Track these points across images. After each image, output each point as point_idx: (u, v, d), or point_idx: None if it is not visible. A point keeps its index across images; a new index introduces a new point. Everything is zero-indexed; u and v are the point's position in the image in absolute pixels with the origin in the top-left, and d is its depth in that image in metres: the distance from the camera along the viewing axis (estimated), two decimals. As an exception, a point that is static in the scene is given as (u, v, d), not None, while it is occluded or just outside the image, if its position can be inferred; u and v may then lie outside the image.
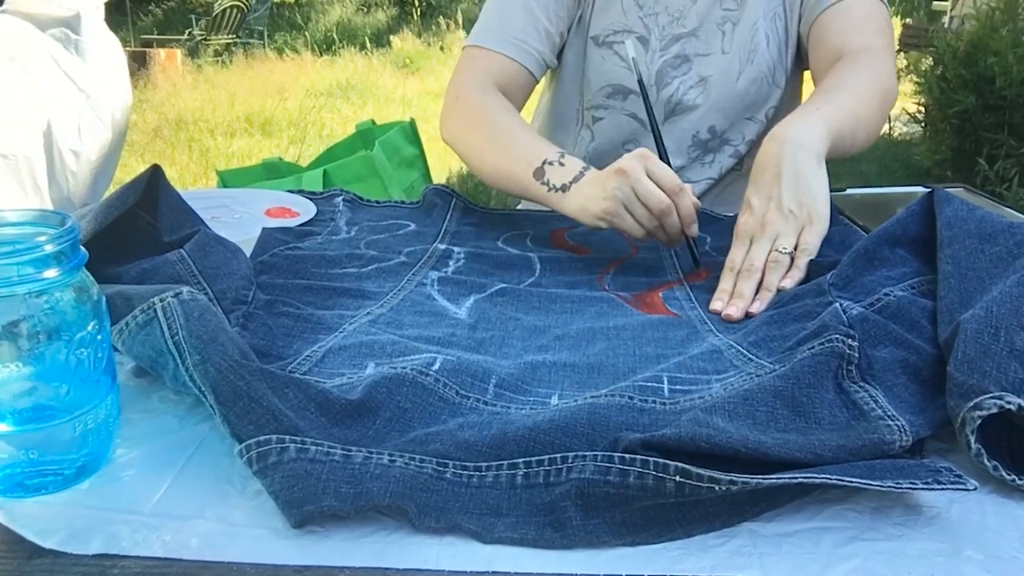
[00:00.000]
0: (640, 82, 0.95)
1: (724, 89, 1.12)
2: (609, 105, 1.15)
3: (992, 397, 0.49)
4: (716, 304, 0.75)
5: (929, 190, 0.71)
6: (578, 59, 1.15)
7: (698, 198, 0.90)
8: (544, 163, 0.91)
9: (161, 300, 0.55)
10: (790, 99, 1.18)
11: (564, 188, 0.89)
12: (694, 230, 0.84)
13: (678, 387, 0.58)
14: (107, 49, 1.14)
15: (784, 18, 1.12)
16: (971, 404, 0.50)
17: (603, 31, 1.12)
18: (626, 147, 1.15)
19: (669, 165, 0.84)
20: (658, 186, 0.82)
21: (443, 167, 4.56)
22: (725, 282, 0.78)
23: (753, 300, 0.75)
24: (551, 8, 1.10)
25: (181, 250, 0.70)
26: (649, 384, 0.58)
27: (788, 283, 0.75)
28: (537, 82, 1.14)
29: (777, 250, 0.77)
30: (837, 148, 0.87)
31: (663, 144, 0.92)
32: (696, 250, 0.86)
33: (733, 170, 1.18)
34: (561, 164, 0.91)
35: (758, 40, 1.11)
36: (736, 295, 0.75)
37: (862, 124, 0.93)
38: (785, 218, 0.79)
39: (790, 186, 0.80)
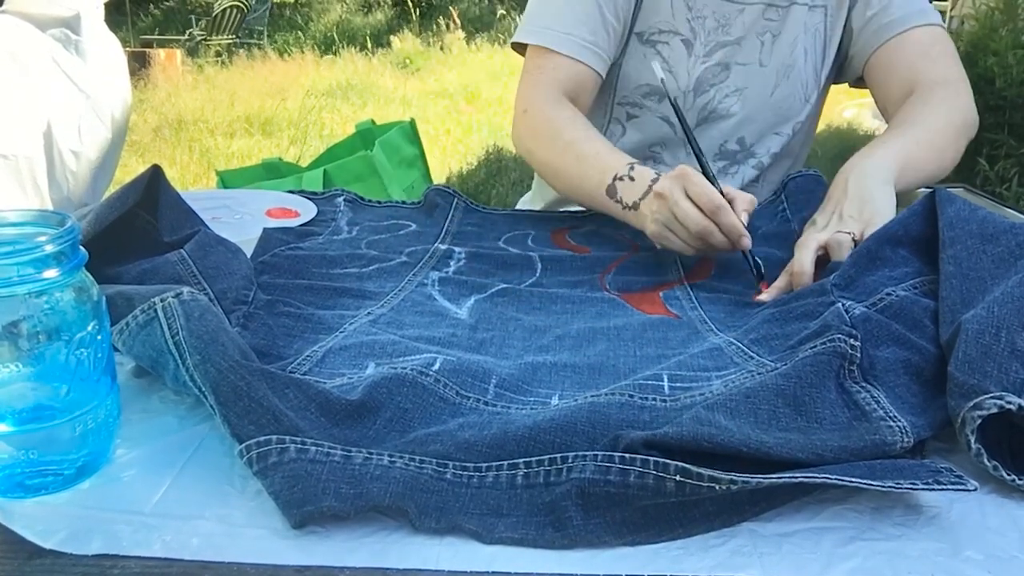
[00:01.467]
0: (673, 103, 0.93)
1: (758, 102, 1.11)
2: (645, 105, 1.12)
3: (992, 397, 0.49)
4: (763, 296, 0.76)
5: (931, 190, 0.71)
6: (613, 54, 1.11)
7: None
8: (615, 179, 0.89)
9: (162, 300, 0.55)
10: (814, 114, 1.17)
11: (635, 207, 0.87)
12: (744, 243, 0.79)
13: (678, 384, 0.58)
14: (107, 49, 1.14)
15: (824, 35, 1.10)
16: (971, 404, 0.50)
17: (649, 28, 1.08)
18: (652, 150, 1.14)
19: (712, 177, 0.83)
20: (697, 205, 0.79)
21: (443, 167, 4.56)
22: (781, 281, 0.77)
23: None
24: (616, 1, 1.05)
25: (181, 250, 0.70)
26: (649, 382, 0.58)
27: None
28: (603, 79, 1.10)
29: (840, 231, 0.77)
30: (907, 178, 0.88)
31: (703, 156, 0.89)
32: (752, 261, 0.80)
33: (752, 183, 1.16)
34: (631, 179, 0.88)
35: (796, 55, 1.10)
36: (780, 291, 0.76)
37: (935, 156, 0.95)
38: (845, 222, 0.79)
39: (853, 201, 0.81)
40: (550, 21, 1.06)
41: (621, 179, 0.89)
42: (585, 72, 1.05)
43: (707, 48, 1.09)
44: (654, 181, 0.85)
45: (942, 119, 0.98)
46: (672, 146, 1.14)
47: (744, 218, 0.80)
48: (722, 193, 0.80)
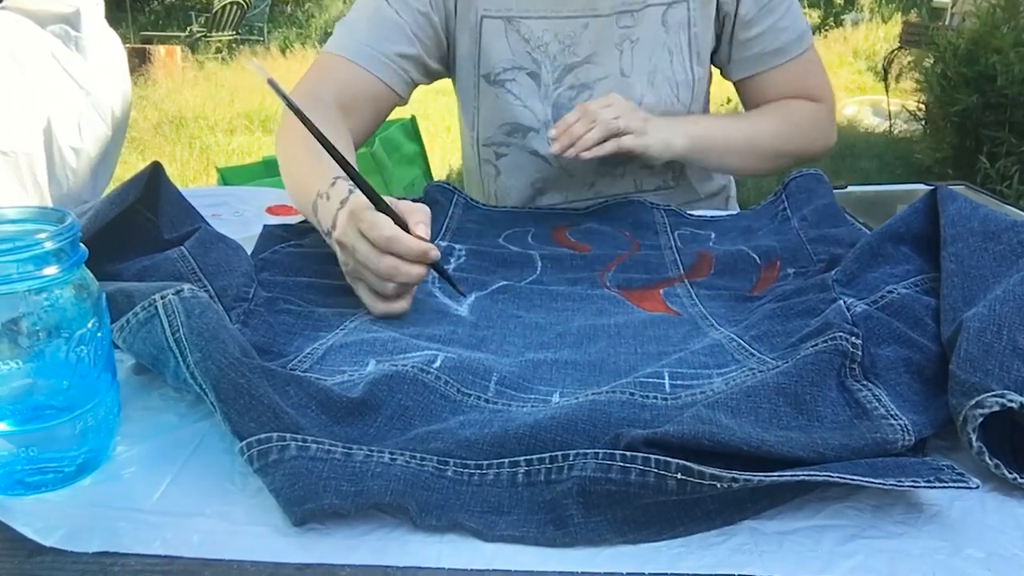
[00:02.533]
0: (291, 106, 0.70)
1: None
2: (510, 143, 1.12)
3: (994, 395, 0.49)
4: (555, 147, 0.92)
5: (932, 188, 0.71)
6: (470, 96, 1.12)
7: None
8: (317, 195, 0.78)
9: (162, 297, 0.55)
10: (701, 108, 1.15)
11: (330, 235, 0.75)
12: (432, 256, 0.69)
13: (679, 382, 0.58)
14: (107, 46, 1.14)
15: (689, 29, 1.08)
16: (973, 402, 0.50)
17: (493, 69, 1.08)
18: (535, 186, 1.13)
19: (378, 198, 0.70)
20: (373, 245, 0.68)
21: (444, 164, 4.56)
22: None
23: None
24: (418, 23, 1.03)
25: (182, 247, 0.70)
26: (650, 380, 0.58)
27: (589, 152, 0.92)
28: (403, 100, 1.07)
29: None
30: (696, 156, 1.02)
31: (359, 177, 0.72)
32: (449, 277, 0.75)
33: (661, 189, 1.14)
34: (328, 198, 0.76)
35: (659, 59, 1.07)
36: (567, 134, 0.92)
37: (742, 154, 1.03)
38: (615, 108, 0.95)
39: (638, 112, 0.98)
40: (345, 34, 1.04)
41: (321, 197, 0.77)
42: (368, 79, 1.02)
43: (555, 75, 1.07)
44: (339, 208, 0.73)
45: (784, 128, 1.09)
46: (553, 179, 1.12)
47: (422, 230, 0.70)
48: (396, 215, 0.70)
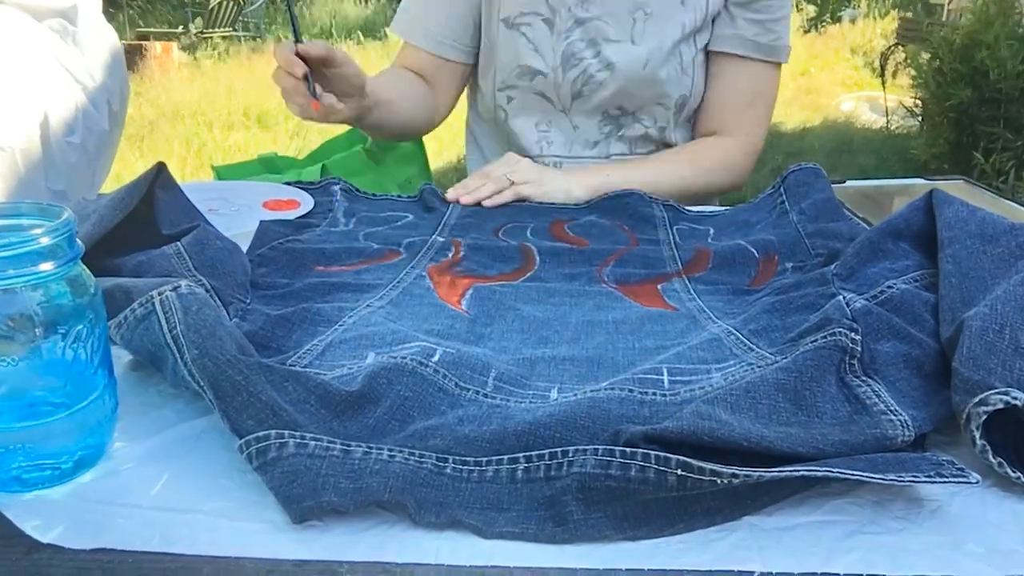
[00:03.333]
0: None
1: (631, 76, 1.15)
2: (519, 85, 1.19)
3: (998, 393, 0.49)
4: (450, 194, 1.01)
5: (929, 187, 0.71)
6: (492, 40, 1.20)
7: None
8: None
9: (159, 294, 0.55)
10: (699, 87, 1.20)
11: None
12: (297, 71, 0.96)
13: (678, 378, 0.58)
14: (104, 41, 1.13)
15: (706, 8, 1.14)
16: (976, 400, 0.50)
17: (513, 13, 1.16)
18: (539, 128, 1.21)
19: (298, 38, 0.98)
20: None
21: (440, 158, 4.56)
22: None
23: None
24: None
25: (178, 243, 0.70)
26: (649, 376, 0.57)
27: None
28: (470, 64, 1.24)
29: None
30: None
31: (295, 23, 1.02)
32: (311, 86, 0.97)
33: (646, 141, 1.22)
34: None
35: (670, 32, 1.14)
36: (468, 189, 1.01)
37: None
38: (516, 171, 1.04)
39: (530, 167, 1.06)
40: (404, 14, 1.24)
41: None
42: (429, 58, 1.22)
43: (567, 25, 1.14)
44: None
45: (688, 171, 1.16)
46: (557, 121, 1.21)
47: (313, 49, 0.96)
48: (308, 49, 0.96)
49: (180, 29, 9.29)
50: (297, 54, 0.96)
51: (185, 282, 0.56)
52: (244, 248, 0.78)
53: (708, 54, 1.19)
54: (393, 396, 0.54)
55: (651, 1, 1.13)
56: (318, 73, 0.99)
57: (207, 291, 0.63)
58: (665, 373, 0.58)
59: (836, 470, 0.45)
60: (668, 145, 1.22)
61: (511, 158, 1.09)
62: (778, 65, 1.18)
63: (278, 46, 0.97)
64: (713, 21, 1.17)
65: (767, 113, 1.22)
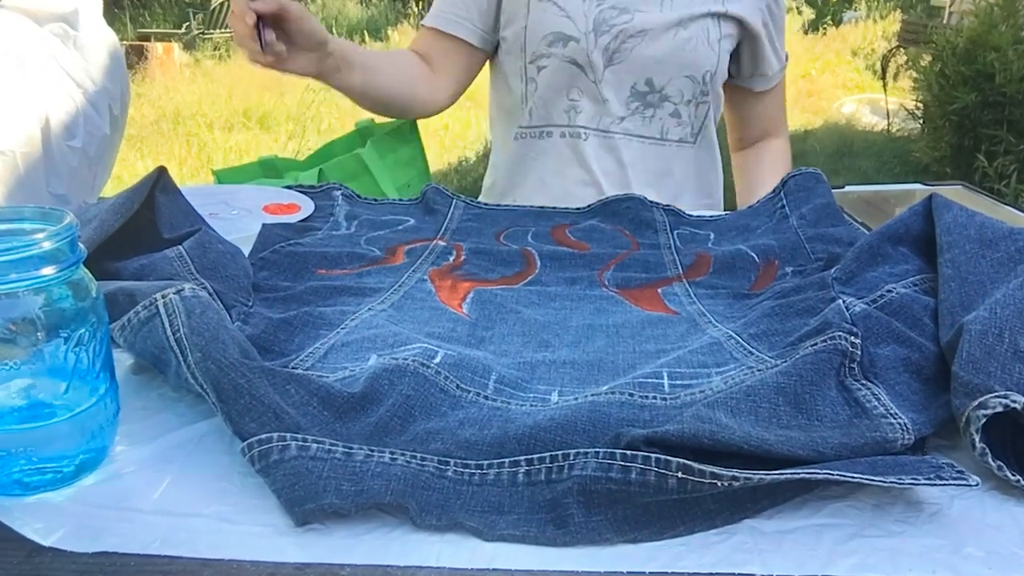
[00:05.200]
0: None
1: (662, 43, 1.18)
2: (551, 53, 1.19)
3: (997, 396, 0.49)
4: None
5: (929, 191, 0.71)
6: (521, 15, 1.21)
7: (647, 166, 1.21)
8: None
9: (163, 297, 0.55)
10: (723, 68, 1.24)
11: None
12: (248, 20, 0.97)
13: (678, 381, 0.58)
14: (105, 45, 1.14)
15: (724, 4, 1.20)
16: (976, 403, 0.50)
17: None
18: (571, 98, 1.22)
19: None
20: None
21: (441, 162, 4.56)
22: None
23: None
24: None
25: (180, 247, 0.70)
26: (649, 380, 0.58)
27: None
28: (480, 50, 1.25)
29: None
30: None
31: None
32: (261, 35, 0.99)
33: (684, 142, 1.24)
34: None
35: (700, 5, 1.19)
36: None
37: None
38: None
39: None
40: (434, 7, 1.27)
41: None
42: (439, 37, 1.24)
43: None
44: None
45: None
46: (588, 90, 1.21)
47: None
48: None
49: (182, 30, 9.28)
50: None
51: (189, 285, 0.56)
52: (246, 252, 0.78)
53: (736, 91, 1.32)
54: (395, 396, 0.54)
55: None
56: (277, 25, 1.01)
57: (210, 294, 0.63)
58: (665, 377, 0.58)
59: (836, 473, 0.45)
60: (691, 125, 1.26)
61: None
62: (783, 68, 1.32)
63: None
64: (742, 26, 1.22)
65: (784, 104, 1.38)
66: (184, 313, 0.53)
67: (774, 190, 0.98)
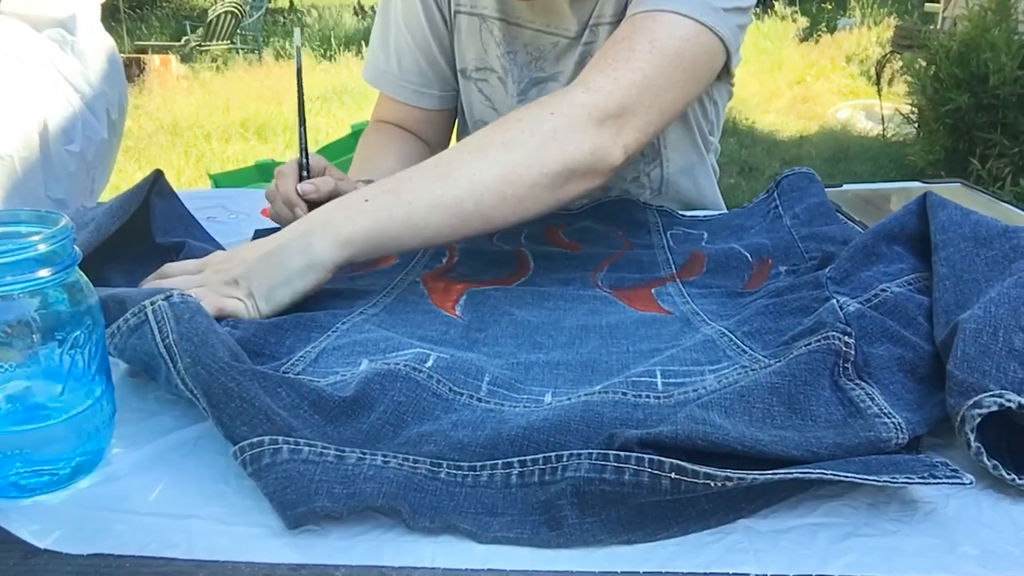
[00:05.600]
0: (298, 73, 0.90)
1: None
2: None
3: (992, 395, 0.49)
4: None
5: (924, 190, 0.71)
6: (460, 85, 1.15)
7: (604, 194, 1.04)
8: None
9: (151, 303, 0.55)
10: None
11: None
12: (297, 211, 0.87)
13: (671, 380, 0.58)
14: (103, 50, 1.14)
15: None
16: (971, 402, 0.50)
17: (468, 65, 1.10)
18: None
19: (307, 157, 0.91)
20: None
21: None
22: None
23: None
24: (425, 36, 1.09)
25: (173, 259, 0.70)
26: (642, 379, 0.58)
27: None
28: (451, 108, 1.16)
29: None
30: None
31: (303, 137, 0.92)
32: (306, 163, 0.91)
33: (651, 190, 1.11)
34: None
35: None
36: None
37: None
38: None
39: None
40: (373, 62, 1.15)
41: None
42: (407, 109, 1.14)
43: (520, 86, 1.07)
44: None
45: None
46: None
47: (306, 186, 0.88)
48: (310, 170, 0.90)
49: (179, 43, 9.30)
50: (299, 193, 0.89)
51: (177, 291, 0.56)
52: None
53: None
54: (387, 401, 0.54)
55: (595, 43, 1.01)
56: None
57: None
58: (659, 375, 0.58)
59: (830, 472, 0.45)
60: (652, 182, 1.14)
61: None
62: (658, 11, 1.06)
63: (281, 173, 0.91)
64: None
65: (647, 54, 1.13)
66: (173, 319, 0.53)
67: (767, 190, 0.98)
